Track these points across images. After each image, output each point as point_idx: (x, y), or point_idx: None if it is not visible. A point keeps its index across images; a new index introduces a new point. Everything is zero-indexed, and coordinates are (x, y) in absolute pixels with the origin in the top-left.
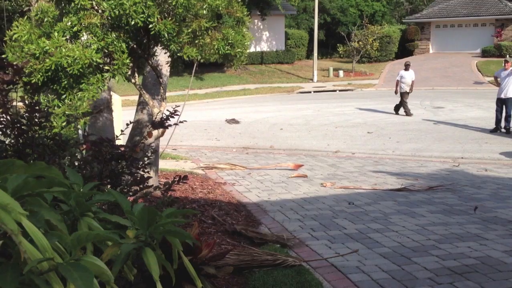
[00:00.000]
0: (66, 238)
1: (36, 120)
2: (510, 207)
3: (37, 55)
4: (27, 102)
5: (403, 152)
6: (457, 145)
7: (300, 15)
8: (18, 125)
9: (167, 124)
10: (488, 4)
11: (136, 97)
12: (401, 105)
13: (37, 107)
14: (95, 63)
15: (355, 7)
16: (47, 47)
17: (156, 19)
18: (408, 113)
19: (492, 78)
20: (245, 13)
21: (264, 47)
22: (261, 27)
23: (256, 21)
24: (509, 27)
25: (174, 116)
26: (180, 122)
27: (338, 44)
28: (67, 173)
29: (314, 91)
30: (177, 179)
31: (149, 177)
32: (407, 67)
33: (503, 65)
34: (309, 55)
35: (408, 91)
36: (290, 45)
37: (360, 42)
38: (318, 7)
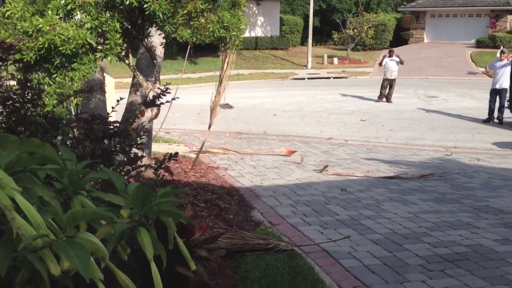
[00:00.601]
0: (61, 215)
1: (29, 97)
2: (502, 197)
3: (30, 33)
4: (18, 79)
5: (396, 140)
6: (449, 135)
7: (296, 1)
8: (10, 101)
9: (159, 102)
10: None
11: (129, 80)
12: (392, 92)
13: (29, 84)
14: (87, 45)
15: None
16: (41, 25)
17: (151, 0)
18: (379, 98)
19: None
20: None
21: (258, 32)
22: (256, 12)
23: (251, 5)
24: (503, 18)
25: (166, 94)
26: (173, 99)
27: (333, 31)
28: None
29: (308, 78)
30: (168, 156)
31: (142, 156)
32: (390, 53)
33: (498, 55)
34: (303, 42)
35: (388, 77)
36: (285, 31)
37: (355, 30)
38: None
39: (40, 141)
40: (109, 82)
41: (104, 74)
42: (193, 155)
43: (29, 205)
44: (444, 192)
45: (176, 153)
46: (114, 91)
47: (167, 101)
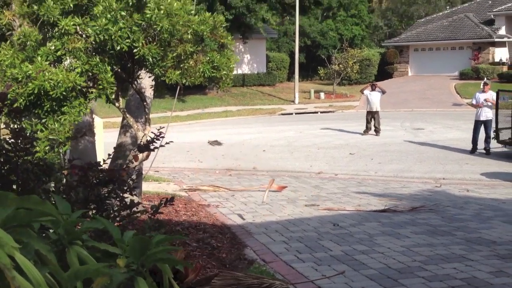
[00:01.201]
0: (62, 274)
1: (22, 145)
2: (494, 228)
3: (19, 79)
4: (11, 128)
5: (385, 173)
6: (438, 166)
7: (281, 38)
8: (4, 151)
9: (152, 147)
10: (465, 28)
11: (117, 119)
12: (379, 125)
13: (22, 133)
14: (78, 87)
15: (334, 31)
16: (30, 71)
17: (141, 44)
18: (365, 131)
19: (470, 100)
20: (229, 38)
21: (245, 69)
22: (243, 50)
23: (238, 44)
24: (486, 50)
25: (160, 139)
26: (167, 143)
27: (318, 67)
28: (52, 199)
29: (296, 113)
30: (164, 201)
31: (138, 203)
32: (372, 87)
33: (481, 87)
34: (290, 78)
35: (371, 110)
36: (272, 67)
37: (341, 65)
38: (299, 30)
39: (40, 198)
40: (98, 123)
41: (93, 115)
42: (184, 193)
43: (28, 262)
44: (436, 224)
45: (172, 198)
46: (102, 132)
47: (161, 145)
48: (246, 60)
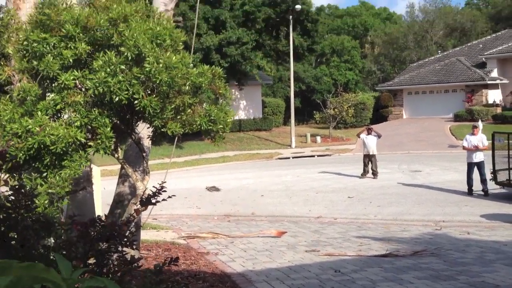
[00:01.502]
0: None
1: (22, 203)
2: (496, 271)
3: (19, 134)
4: (11, 185)
5: (384, 216)
6: (437, 208)
7: (276, 84)
8: (4, 209)
9: (154, 201)
10: (458, 72)
11: (114, 167)
12: (376, 168)
13: (22, 190)
14: (78, 142)
15: (328, 76)
16: (30, 126)
17: (141, 96)
18: (362, 174)
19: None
20: (228, 90)
21: (242, 115)
22: (239, 96)
23: (233, 90)
24: (479, 93)
25: (162, 193)
26: (169, 197)
27: (314, 111)
28: (52, 257)
29: (293, 157)
30: (168, 261)
31: (139, 259)
32: (368, 131)
33: (471, 129)
34: (286, 122)
35: (370, 153)
36: (267, 112)
37: (336, 109)
38: (293, 76)
39: (45, 266)
40: (96, 172)
41: (91, 165)
42: (182, 241)
43: None
44: (438, 269)
45: (177, 258)
46: (100, 181)
47: (163, 199)
48: (242, 106)
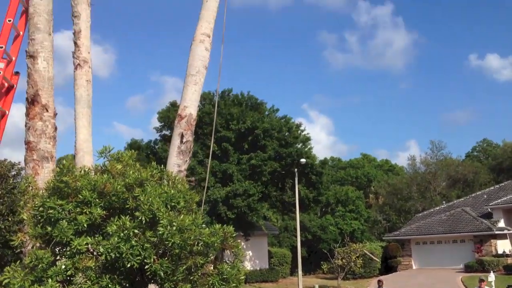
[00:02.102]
0: None
1: None
2: None
3: None
4: None
5: None
6: None
7: (282, 234)
8: None
9: None
10: (464, 222)
11: None
12: None
13: None
14: None
15: (334, 225)
16: None
17: (152, 260)
18: None
19: None
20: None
21: (248, 266)
22: (245, 246)
23: (239, 241)
24: (488, 243)
25: None
26: None
27: (322, 262)
28: None
29: None
30: None
31: None
32: (379, 283)
33: (478, 283)
34: (292, 272)
35: None
36: (274, 263)
37: (344, 260)
38: (299, 226)
39: None
40: None
41: None
42: None
43: None
44: None
45: None
46: None
47: None
48: (248, 257)
